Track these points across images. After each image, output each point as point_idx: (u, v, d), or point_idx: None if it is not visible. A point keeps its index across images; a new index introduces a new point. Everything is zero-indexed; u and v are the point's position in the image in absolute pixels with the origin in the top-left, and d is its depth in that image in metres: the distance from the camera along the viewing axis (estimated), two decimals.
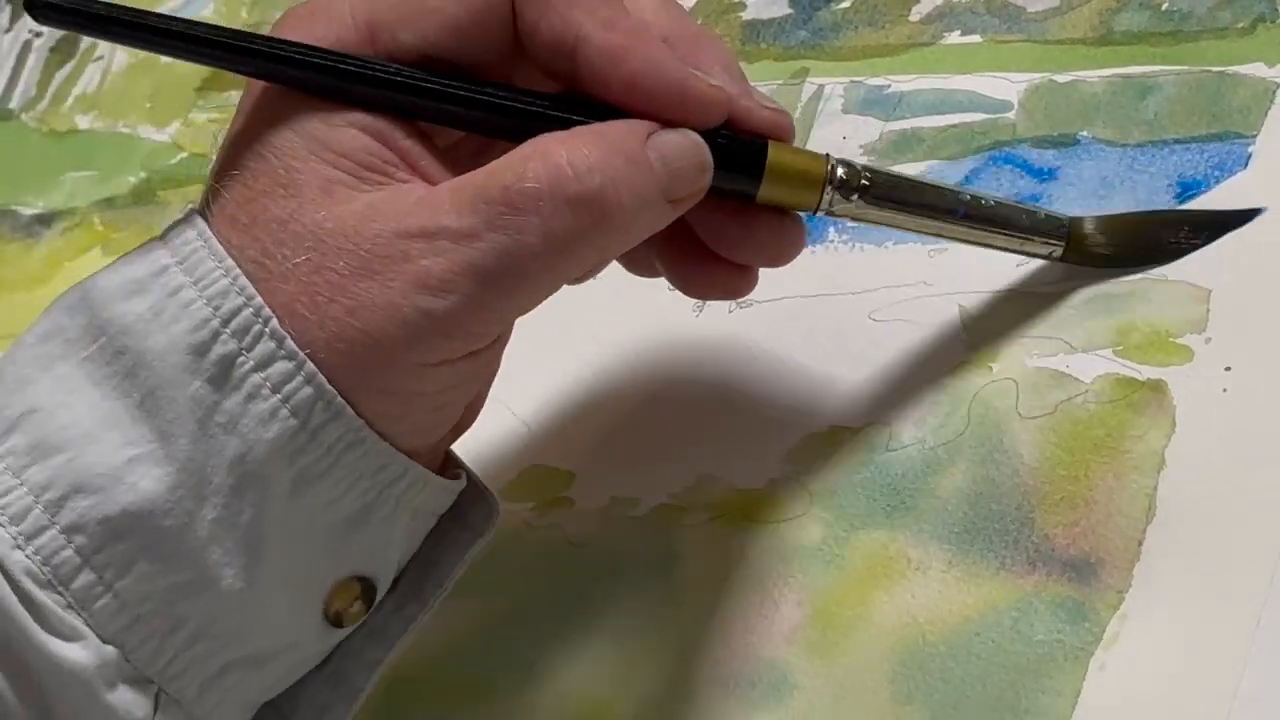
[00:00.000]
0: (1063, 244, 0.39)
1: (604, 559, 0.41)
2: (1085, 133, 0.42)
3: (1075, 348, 0.38)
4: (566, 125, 0.33)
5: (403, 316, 0.31)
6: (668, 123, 0.33)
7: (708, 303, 0.44)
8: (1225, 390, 0.36)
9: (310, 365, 0.31)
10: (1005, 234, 0.38)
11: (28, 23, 0.70)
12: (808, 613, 0.37)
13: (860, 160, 0.37)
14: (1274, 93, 0.39)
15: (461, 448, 0.45)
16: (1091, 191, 0.40)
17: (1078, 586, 0.35)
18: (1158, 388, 0.36)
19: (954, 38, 0.46)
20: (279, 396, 0.31)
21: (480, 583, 0.42)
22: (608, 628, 0.40)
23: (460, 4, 0.33)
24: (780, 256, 0.36)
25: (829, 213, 0.36)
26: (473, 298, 0.31)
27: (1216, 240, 0.38)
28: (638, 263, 0.39)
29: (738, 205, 0.35)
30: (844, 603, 0.37)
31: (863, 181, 0.36)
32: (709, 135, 0.34)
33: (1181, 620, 0.33)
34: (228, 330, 0.31)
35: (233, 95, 0.58)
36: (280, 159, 0.32)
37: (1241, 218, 0.38)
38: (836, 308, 0.42)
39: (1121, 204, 0.40)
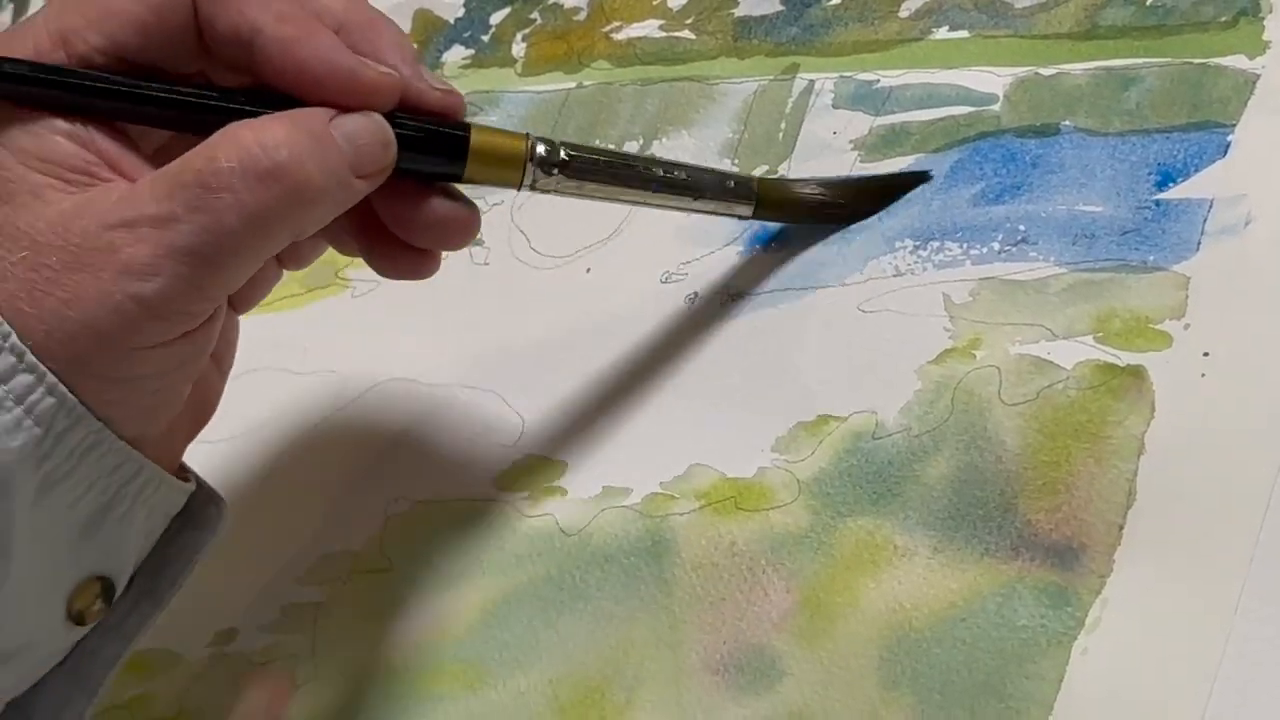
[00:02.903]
0: (753, 204, 0.42)
1: (596, 547, 0.41)
2: (1068, 122, 0.42)
3: (1056, 335, 0.38)
4: (254, 116, 0.34)
5: (114, 303, 0.32)
6: (346, 109, 0.35)
7: (700, 294, 0.45)
8: (1204, 375, 0.36)
9: (51, 376, 0.32)
10: (699, 199, 0.41)
11: None
12: (796, 599, 0.38)
13: (569, 140, 0.39)
14: (1254, 84, 0.39)
15: (459, 437, 0.46)
16: (1072, 179, 0.41)
17: (1060, 572, 0.35)
18: (1137, 373, 0.37)
19: (942, 33, 0.46)
20: (22, 408, 0.32)
21: (474, 571, 0.43)
22: (599, 615, 0.40)
23: (141, 3, 0.34)
24: (452, 239, 0.38)
25: (533, 188, 0.38)
26: (179, 277, 0.32)
27: (890, 204, 0.42)
28: (342, 242, 0.40)
29: (416, 190, 0.37)
30: (832, 589, 0.37)
31: (562, 157, 0.38)
32: (416, 124, 0.36)
33: (1162, 604, 0.33)
34: None
35: None
36: None
37: (914, 179, 0.42)
38: (826, 299, 0.42)
39: (1102, 190, 0.40)
